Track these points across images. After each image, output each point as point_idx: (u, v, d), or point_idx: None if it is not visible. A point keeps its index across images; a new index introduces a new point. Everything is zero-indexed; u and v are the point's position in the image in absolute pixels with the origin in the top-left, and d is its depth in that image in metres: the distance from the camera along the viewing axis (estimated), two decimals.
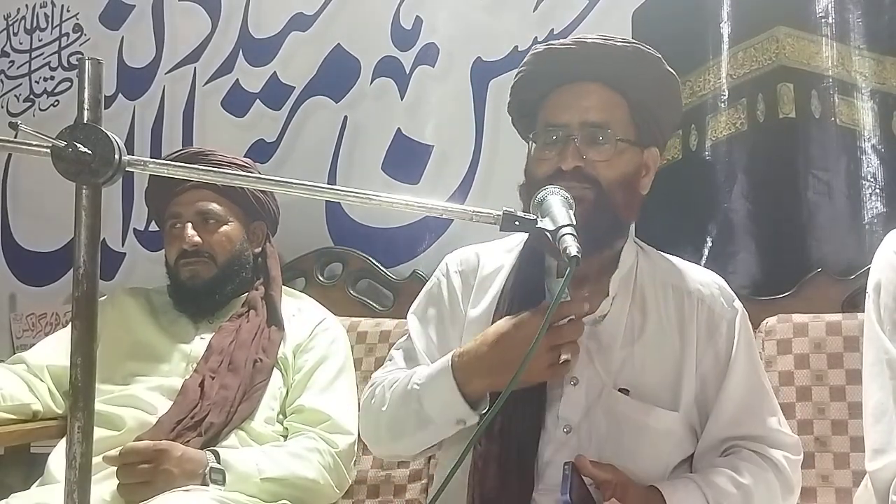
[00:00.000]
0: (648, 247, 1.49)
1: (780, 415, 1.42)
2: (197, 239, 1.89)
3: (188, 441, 1.63)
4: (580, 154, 1.30)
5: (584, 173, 1.30)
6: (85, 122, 0.81)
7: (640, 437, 1.31)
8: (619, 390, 1.32)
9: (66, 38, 2.83)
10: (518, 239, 1.49)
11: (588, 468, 1.24)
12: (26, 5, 2.91)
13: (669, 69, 1.38)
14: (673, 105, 1.42)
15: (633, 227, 1.46)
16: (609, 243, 1.36)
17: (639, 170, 1.37)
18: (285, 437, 1.79)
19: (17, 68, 2.89)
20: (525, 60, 1.42)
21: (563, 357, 1.22)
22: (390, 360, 1.50)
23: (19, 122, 0.82)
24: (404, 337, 1.52)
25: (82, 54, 2.79)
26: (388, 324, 2.06)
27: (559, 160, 1.30)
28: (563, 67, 1.36)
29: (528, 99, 1.42)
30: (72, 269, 0.81)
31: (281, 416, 1.82)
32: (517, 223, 0.95)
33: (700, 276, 1.45)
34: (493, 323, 1.36)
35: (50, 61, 2.85)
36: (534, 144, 1.38)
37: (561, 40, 1.39)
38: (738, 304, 1.43)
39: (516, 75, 1.44)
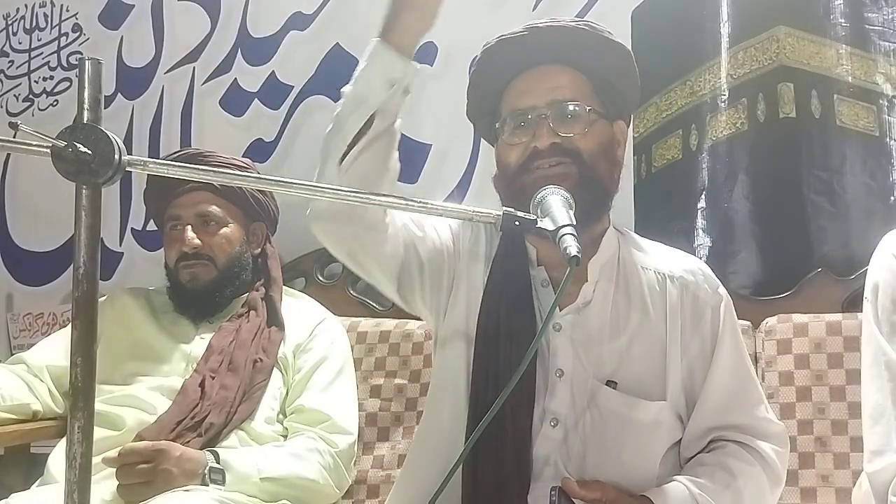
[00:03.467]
0: (630, 232, 1.48)
1: (766, 402, 1.42)
2: (197, 241, 1.89)
3: (188, 441, 1.63)
4: (554, 131, 1.30)
5: (563, 148, 1.29)
6: (85, 122, 0.81)
7: (627, 431, 1.30)
8: (608, 383, 1.31)
9: (65, 37, 2.83)
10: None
11: (575, 490, 1.23)
12: (25, 5, 2.90)
13: (620, 42, 1.39)
14: (631, 76, 1.41)
15: (611, 214, 1.44)
16: (597, 217, 1.35)
17: (613, 141, 1.37)
18: (285, 437, 1.79)
19: (17, 68, 2.89)
20: (478, 58, 1.41)
21: None
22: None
23: (19, 121, 0.82)
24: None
25: (82, 54, 2.79)
26: (388, 324, 2.06)
27: (533, 140, 1.30)
28: (519, 55, 1.36)
29: (489, 92, 1.41)
30: (69, 269, 0.81)
31: (281, 417, 1.82)
32: (517, 223, 0.95)
33: (684, 262, 1.43)
34: (480, 312, 1.35)
35: (49, 61, 2.85)
36: (502, 135, 1.36)
37: (513, 29, 1.38)
38: (722, 290, 1.42)
39: (471, 73, 1.42)
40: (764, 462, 1.35)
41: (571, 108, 1.32)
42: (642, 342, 1.34)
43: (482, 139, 2.18)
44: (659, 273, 1.39)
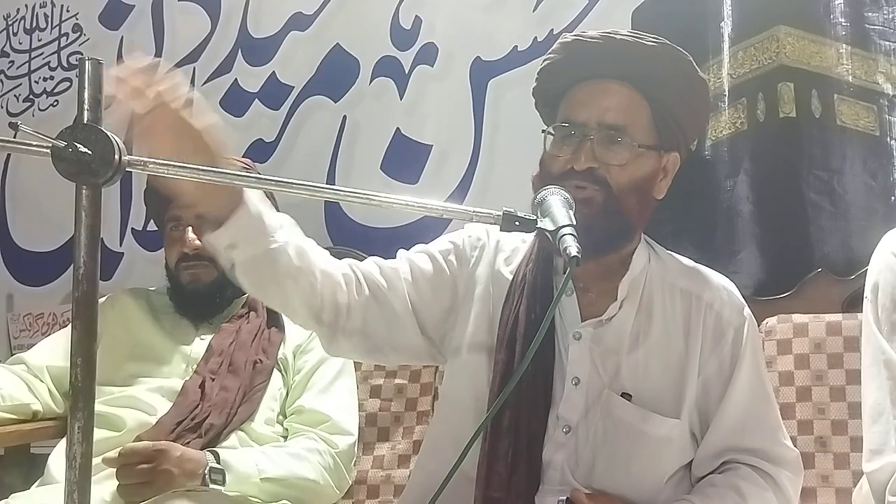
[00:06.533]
0: (661, 248, 1.46)
1: (783, 429, 1.40)
2: (197, 242, 1.88)
3: (188, 442, 1.63)
4: (594, 155, 1.28)
5: (596, 175, 1.27)
6: (85, 122, 0.81)
7: (638, 443, 1.30)
8: (622, 395, 1.31)
9: (65, 38, 2.83)
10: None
11: (584, 501, 1.24)
12: (26, 5, 2.91)
13: (700, 74, 1.35)
14: (699, 111, 1.39)
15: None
16: (613, 247, 1.33)
17: (655, 174, 1.34)
18: (285, 437, 1.79)
19: (17, 68, 2.89)
20: (553, 48, 1.37)
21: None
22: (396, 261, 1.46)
23: (19, 122, 0.82)
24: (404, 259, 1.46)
25: (82, 54, 2.79)
26: None
27: (572, 160, 1.28)
28: (589, 61, 1.33)
29: (552, 88, 1.39)
30: (69, 269, 0.81)
31: (281, 417, 1.82)
32: (517, 223, 0.95)
33: (710, 281, 1.41)
34: (502, 319, 1.35)
35: (49, 61, 2.85)
36: (550, 137, 1.35)
37: (591, 32, 1.35)
38: (747, 311, 1.40)
39: (543, 61, 1.39)
40: (776, 488, 1.33)
41: (618, 135, 1.29)
42: (661, 358, 1.34)
43: (482, 142, 2.22)
44: (684, 290, 1.38)
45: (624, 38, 1.31)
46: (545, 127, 1.37)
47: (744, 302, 1.41)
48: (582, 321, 1.35)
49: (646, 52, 1.30)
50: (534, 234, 1.39)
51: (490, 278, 1.42)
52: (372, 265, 1.41)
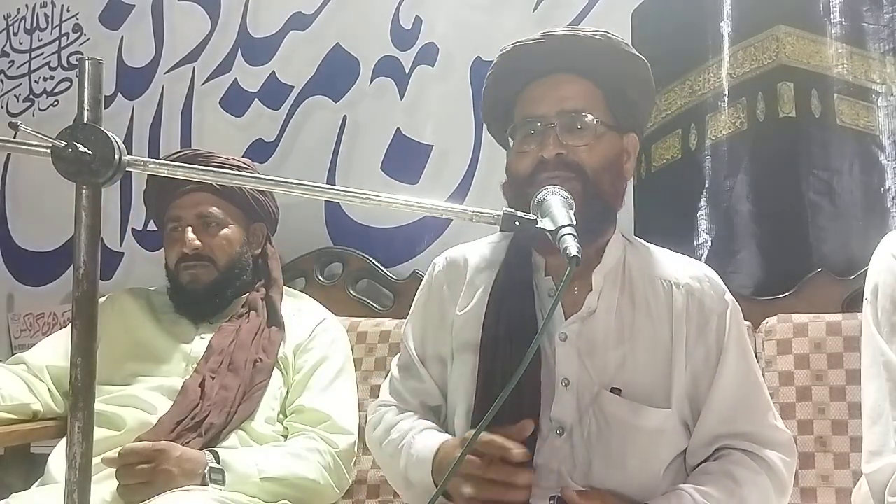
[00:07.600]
0: (636, 239, 1.47)
1: (773, 410, 1.41)
2: (197, 243, 1.88)
3: (188, 442, 1.63)
4: (560, 141, 1.30)
5: (567, 160, 1.29)
6: (85, 122, 0.81)
7: (631, 438, 1.30)
8: (612, 390, 1.31)
9: (65, 38, 2.83)
10: (505, 235, 1.48)
11: (574, 499, 1.23)
12: (26, 5, 2.91)
13: (637, 53, 1.39)
14: (645, 88, 1.41)
15: (618, 221, 1.45)
16: (600, 232, 1.35)
17: (620, 155, 1.37)
18: (285, 437, 1.79)
19: (17, 68, 2.90)
20: (494, 62, 1.41)
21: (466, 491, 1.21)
22: (391, 380, 1.54)
23: (19, 122, 0.82)
24: (401, 351, 1.54)
25: (82, 54, 2.79)
26: (388, 324, 2.06)
27: (540, 149, 1.30)
28: (533, 63, 1.36)
29: (502, 98, 1.42)
30: (69, 269, 0.81)
31: (281, 417, 1.82)
32: (517, 223, 0.95)
33: (690, 269, 1.42)
34: (484, 321, 1.36)
35: (50, 61, 2.85)
36: (512, 140, 1.37)
37: (528, 37, 1.38)
38: (729, 297, 1.41)
39: (487, 77, 1.43)
40: (770, 470, 1.33)
41: (579, 119, 1.32)
42: (647, 349, 1.34)
43: (482, 142, 2.22)
44: (664, 280, 1.38)
45: (564, 32, 1.36)
46: (503, 137, 1.41)
47: (725, 288, 1.42)
48: (566, 320, 1.35)
49: (586, 42, 1.35)
50: (509, 241, 1.43)
51: (468, 292, 1.43)
52: (396, 385, 1.52)
